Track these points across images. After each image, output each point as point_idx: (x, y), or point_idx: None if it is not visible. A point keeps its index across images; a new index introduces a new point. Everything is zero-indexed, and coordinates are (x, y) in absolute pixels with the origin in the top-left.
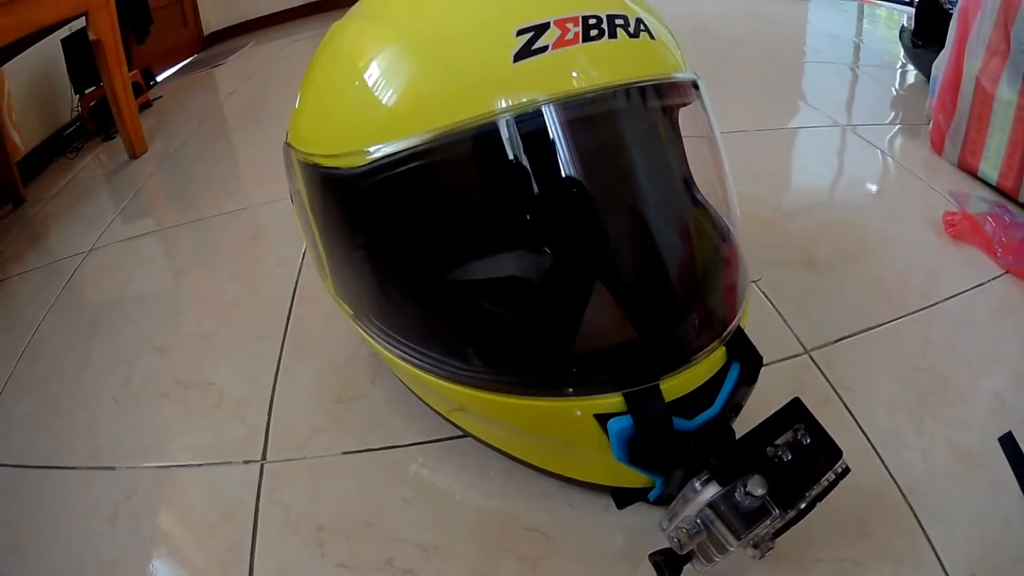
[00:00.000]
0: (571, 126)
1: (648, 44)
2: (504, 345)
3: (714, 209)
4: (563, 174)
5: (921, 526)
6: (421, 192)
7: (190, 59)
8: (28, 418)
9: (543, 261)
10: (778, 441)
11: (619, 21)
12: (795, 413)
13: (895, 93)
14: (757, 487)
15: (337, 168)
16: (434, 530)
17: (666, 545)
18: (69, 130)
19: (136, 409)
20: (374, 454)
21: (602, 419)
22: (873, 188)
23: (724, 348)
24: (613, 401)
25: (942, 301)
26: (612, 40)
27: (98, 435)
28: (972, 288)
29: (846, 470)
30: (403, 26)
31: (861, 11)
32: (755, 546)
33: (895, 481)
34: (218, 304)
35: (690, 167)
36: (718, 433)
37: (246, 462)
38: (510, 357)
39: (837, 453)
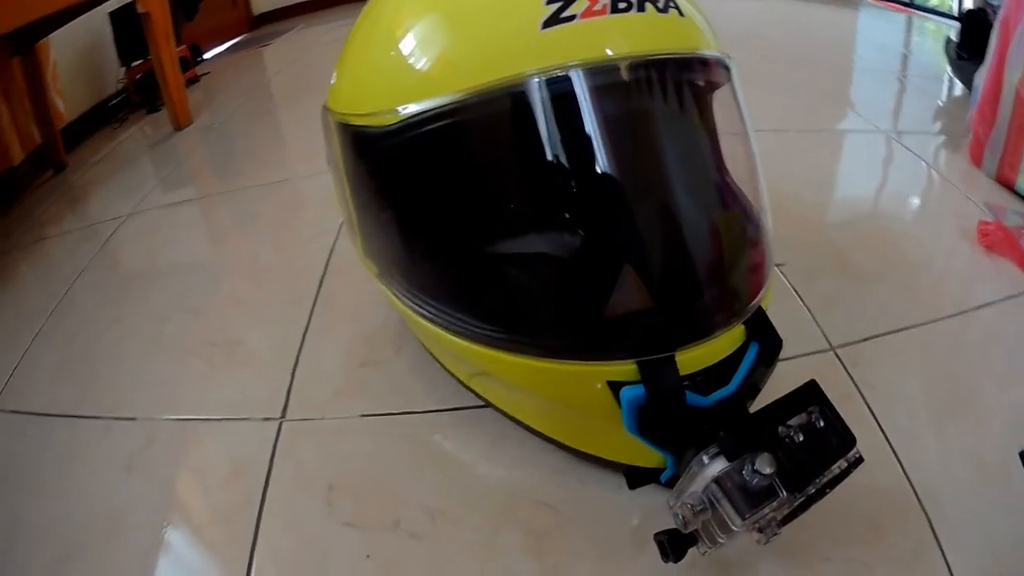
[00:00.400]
0: (597, 92)
1: (677, 20)
2: (523, 306)
3: (741, 191)
4: (588, 140)
5: (934, 532)
6: (447, 151)
7: (238, 39)
8: (54, 369)
9: (566, 225)
10: (791, 422)
11: None
12: (811, 395)
13: (939, 105)
14: (765, 465)
15: (368, 126)
16: (443, 496)
17: (673, 526)
18: (114, 101)
19: (162, 365)
20: (392, 418)
21: (615, 387)
22: (910, 194)
23: (743, 327)
24: (627, 369)
25: (973, 310)
26: (640, 13)
27: (122, 388)
28: (1003, 300)
29: (859, 459)
30: None
31: (909, 23)
32: (760, 530)
33: (911, 483)
34: (253, 269)
35: (721, 149)
36: (732, 413)
37: (265, 419)
38: (528, 318)
39: (851, 440)
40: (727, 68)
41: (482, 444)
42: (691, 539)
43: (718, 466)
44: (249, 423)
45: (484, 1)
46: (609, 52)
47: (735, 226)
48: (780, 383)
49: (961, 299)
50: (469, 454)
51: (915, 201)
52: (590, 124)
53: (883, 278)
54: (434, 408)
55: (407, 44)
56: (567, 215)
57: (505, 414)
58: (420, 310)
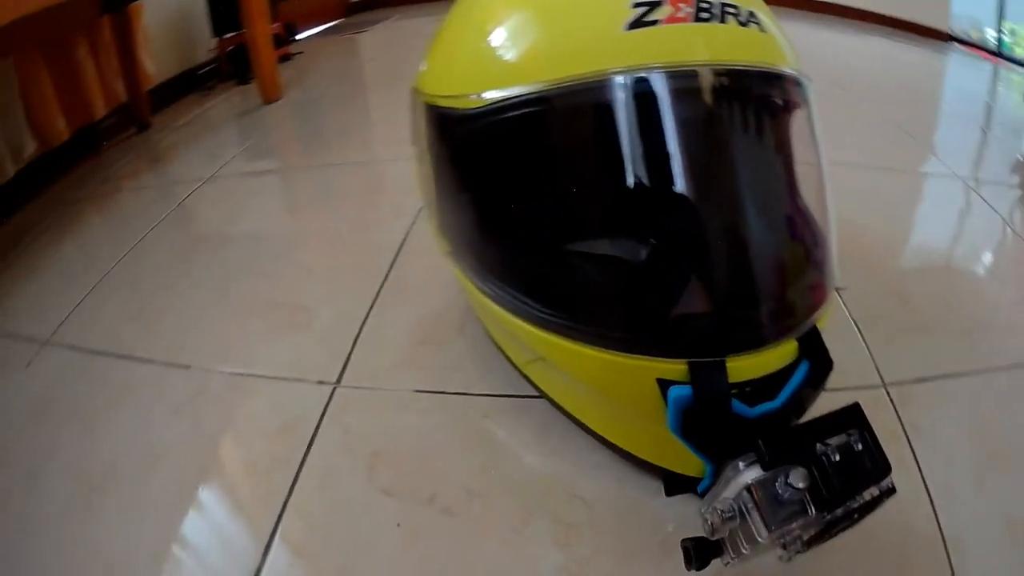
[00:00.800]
0: (675, 96)
1: (757, 35)
2: (585, 296)
3: (808, 210)
4: (662, 141)
5: None
6: (526, 138)
7: (333, 23)
8: (115, 312)
9: (633, 223)
10: (829, 440)
11: (731, 9)
12: (852, 417)
13: (1019, 159)
14: (799, 480)
15: (453, 108)
16: (482, 477)
17: (702, 534)
18: (204, 70)
19: (224, 320)
20: (445, 397)
21: (664, 385)
22: (981, 244)
23: (796, 345)
24: (678, 368)
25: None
26: (721, 24)
27: (182, 336)
28: None
29: (891, 489)
30: None
31: (996, 73)
32: (784, 546)
33: (941, 533)
34: (328, 241)
35: (792, 167)
36: (774, 427)
37: (320, 382)
38: (589, 308)
39: (886, 468)
40: (804, 88)
41: (528, 432)
42: (717, 548)
43: (752, 474)
44: (303, 384)
45: (576, 5)
46: (689, 58)
47: (801, 245)
48: (825, 410)
49: (1020, 353)
50: (514, 440)
51: (985, 251)
52: (666, 126)
53: (944, 322)
54: (487, 392)
55: (497, 34)
56: (635, 213)
57: (555, 404)
58: (486, 289)
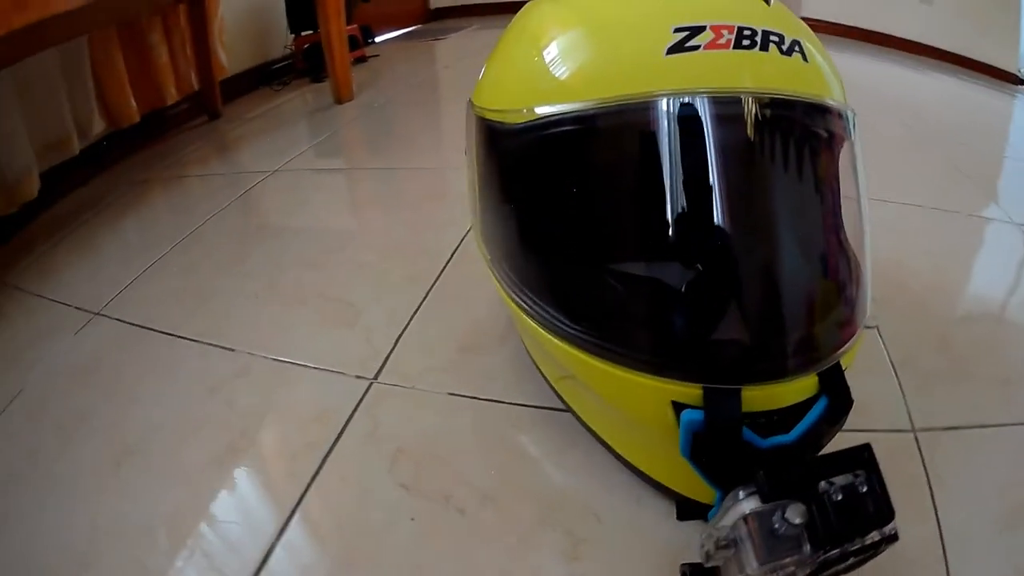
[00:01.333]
0: (715, 121)
1: (799, 64)
2: (610, 313)
3: (843, 246)
4: (698, 165)
5: None
6: (566, 156)
7: (412, 28)
8: (167, 291)
9: (664, 244)
10: (834, 479)
11: (774, 38)
12: (861, 458)
13: None
14: (796, 515)
15: (501, 122)
16: (500, 484)
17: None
18: (278, 65)
19: (272, 308)
20: (476, 402)
21: (678, 407)
22: None
23: (816, 380)
24: (693, 392)
25: None
26: (763, 52)
27: (229, 319)
28: None
29: (894, 536)
30: (579, 12)
31: None
32: None
33: None
34: (383, 241)
35: (830, 200)
36: (781, 460)
37: (358, 377)
38: (613, 325)
39: (889, 514)
40: (847, 121)
41: (552, 445)
42: (710, 573)
43: (750, 505)
44: (342, 377)
45: (618, 24)
46: (727, 84)
47: (832, 281)
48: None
49: None
50: (537, 451)
51: None
52: (701, 152)
53: (984, 371)
54: (518, 402)
55: (545, 54)
56: (667, 235)
57: (581, 421)
58: (520, 301)
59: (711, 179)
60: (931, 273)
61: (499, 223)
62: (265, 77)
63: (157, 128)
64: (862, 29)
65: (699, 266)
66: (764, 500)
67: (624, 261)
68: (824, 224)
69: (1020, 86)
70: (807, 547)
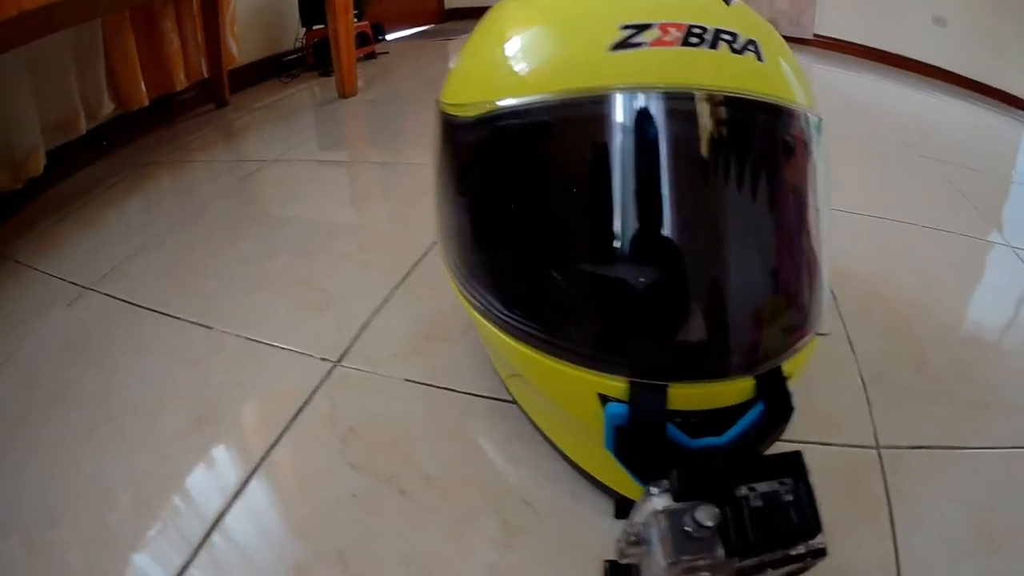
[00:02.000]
0: (649, 116)
1: (750, 63)
2: (541, 301)
3: (793, 250)
4: (627, 160)
5: None
6: (508, 147)
7: (425, 27)
8: (159, 270)
9: (596, 237)
10: (756, 485)
11: (726, 36)
12: (790, 466)
13: None
14: (707, 518)
15: (457, 116)
16: (444, 468)
17: None
18: (288, 58)
19: (254, 291)
20: (432, 389)
21: (604, 400)
22: (1020, 320)
23: (754, 384)
24: (619, 386)
25: None
26: (711, 50)
27: (213, 300)
28: None
29: (821, 551)
30: (539, 11)
31: None
32: None
33: None
34: (366, 233)
35: (780, 203)
36: (701, 460)
37: (323, 359)
38: (544, 314)
39: (815, 528)
40: (802, 123)
41: (499, 435)
42: (628, 572)
43: (662, 502)
44: (308, 359)
45: (570, 22)
46: (661, 80)
47: (769, 282)
48: (814, 466)
49: None
50: (484, 440)
51: (1021, 327)
52: (639, 147)
53: (961, 393)
54: (471, 392)
55: (500, 51)
56: (597, 229)
57: (527, 416)
58: (465, 293)
59: (646, 175)
60: (916, 290)
61: (448, 215)
62: (276, 69)
63: (165, 113)
64: (875, 49)
65: (631, 261)
66: (675, 499)
67: (556, 253)
68: (767, 228)
69: None
70: (720, 551)
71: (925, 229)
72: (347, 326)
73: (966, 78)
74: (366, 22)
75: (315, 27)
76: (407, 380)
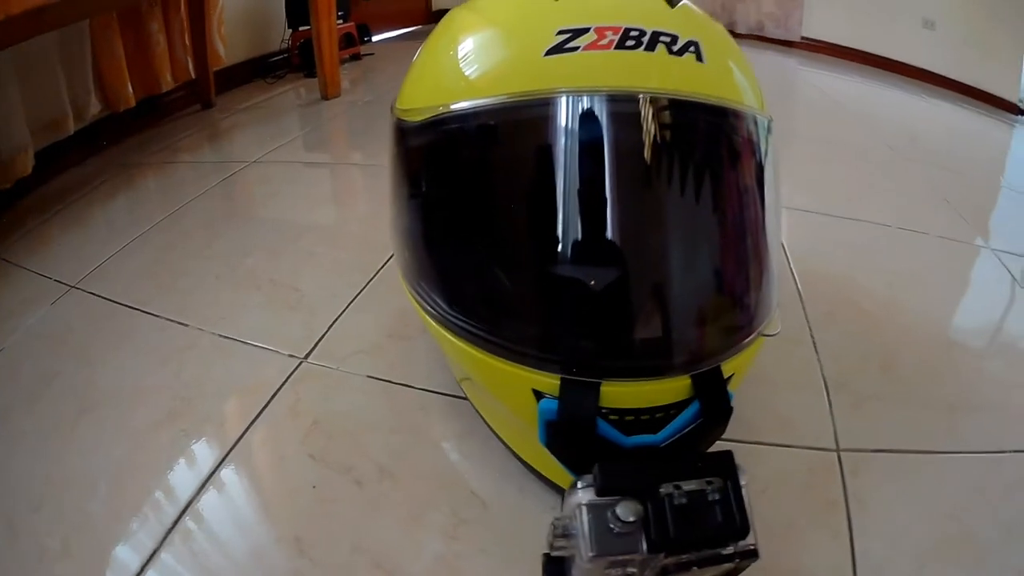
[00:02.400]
0: (580, 117)
1: (689, 64)
2: (479, 298)
3: (736, 250)
4: (565, 160)
5: None
6: (446, 149)
7: (413, 28)
8: (141, 268)
9: (532, 236)
10: (682, 483)
11: (664, 38)
12: (720, 466)
13: None
14: (628, 513)
15: (405, 120)
16: (399, 461)
17: None
18: (275, 58)
19: (229, 289)
20: (390, 386)
21: (539, 396)
22: (996, 322)
23: (689, 384)
24: (552, 383)
25: (1013, 452)
26: (647, 52)
27: (188, 298)
28: None
29: (752, 552)
30: (484, 18)
31: None
32: None
33: None
34: (337, 234)
35: (723, 202)
36: (642, 460)
37: (290, 355)
38: (481, 311)
39: (742, 529)
40: (757, 125)
41: (453, 431)
42: (563, 564)
43: (586, 496)
44: (276, 355)
45: (511, 28)
46: (592, 83)
47: (705, 282)
48: (768, 470)
49: (1007, 438)
50: (438, 434)
51: (999, 329)
52: (571, 147)
53: (928, 396)
54: (429, 388)
55: (446, 57)
56: (531, 229)
57: (479, 414)
58: (414, 293)
59: (574, 176)
60: (887, 293)
61: (398, 217)
62: (263, 69)
63: (152, 114)
64: (863, 52)
65: (562, 260)
66: (598, 493)
67: (491, 252)
68: (698, 225)
69: (1020, 116)
70: (643, 547)
71: (901, 231)
72: (315, 324)
73: (955, 81)
74: (351, 23)
75: (301, 28)
76: (368, 376)
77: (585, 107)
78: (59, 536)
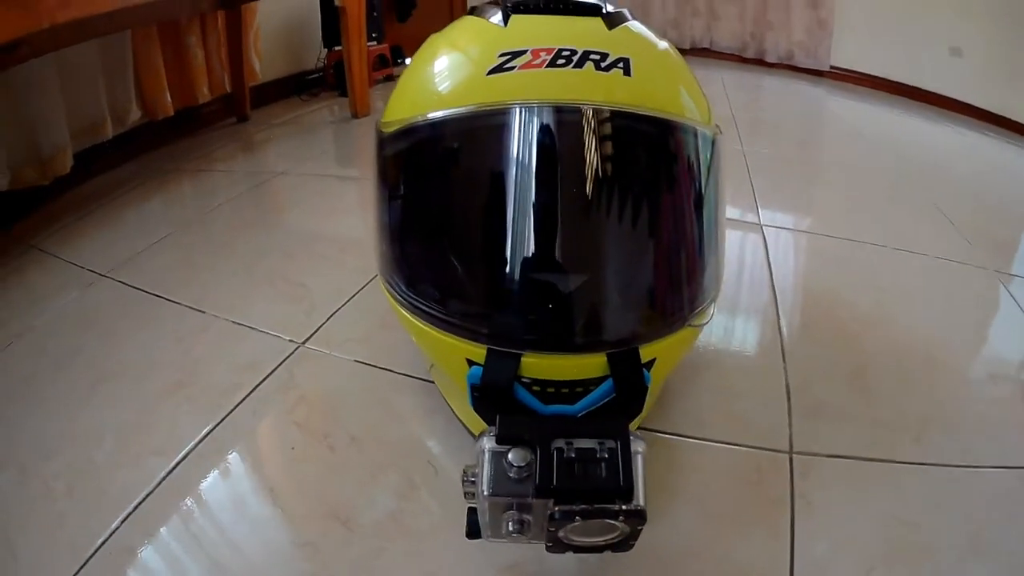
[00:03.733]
0: (509, 126)
1: (614, 78)
2: (425, 278)
3: (666, 244)
4: (499, 162)
5: None
6: (408, 154)
7: None
8: (168, 263)
9: (467, 223)
10: (575, 441)
11: (594, 56)
12: (613, 430)
13: None
14: (518, 459)
15: (382, 132)
16: (369, 431)
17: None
18: (310, 76)
19: (245, 284)
20: (373, 369)
21: (470, 364)
22: (981, 341)
23: (605, 362)
24: (481, 352)
25: (985, 467)
26: (576, 70)
27: (207, 289)
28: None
29: (639, 513)
30: (450, 44)
31: None
32: (521, 524)
33: None
34: (347, 240)
35: (654, 203)
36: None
37: (290, 340)
38: (426, 289)
39: (625, 489)
40: (688, 134)
41: (420, 410)
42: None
43: (489, 444)
44: (278, 339)
45: (467, 53)
46: (519, 97)
47: (621, 271)
48: (710, 461)
49: (979, 452)
50: (406, 411)
51: (987, 343)
52: (489, 151)
53: (898, 405)
54: (405, 373)
55: (418, 78)
56: (469, 219)
57: (443, 396)
58: (384, 283)
59: (502, 176)
60: (870, 306)
61: (375, 217)
62: (298, 87)
63: (189, 124)
64: (891, 81)
65: (491, 246)
66: (497, 442)
67: (436, 240)
68: (619, 222)
69: None
70: (531, 491)
71: (895, 251)
72: (316, 315)
73: (982, 109)
74: (385, 45)
75: (336, 48)
76: (356, 361)
77: (511, 117)
78: (64, 480)
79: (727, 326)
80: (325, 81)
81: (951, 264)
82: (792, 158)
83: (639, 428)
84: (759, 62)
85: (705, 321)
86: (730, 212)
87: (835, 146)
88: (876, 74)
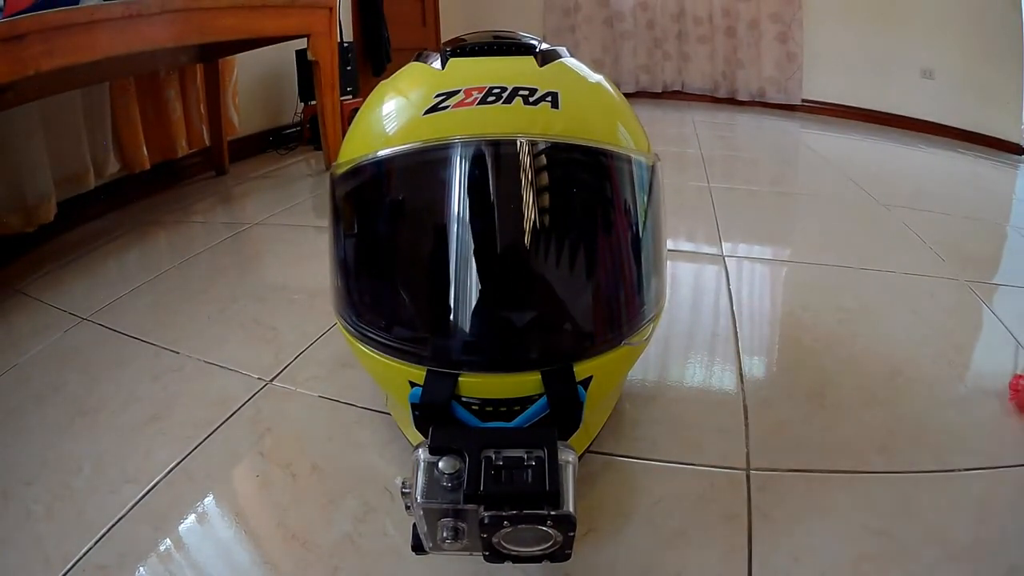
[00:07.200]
0: (437, 161)
1: (541, 111)
2: (370, 307)
3: (599, 267)
4: (434, 194)
5: None
6: (351, 192)
7: None
8: (145, 307)
9: (407, 255)
10: (503, 450)
11: (523, 92)
12: (542, 440)
13: None
14: (448, 466)
15: (332, 173)
16: (330, 461)
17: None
18: (288, 131)
19: (217, 326)
20: (335, 404)
21: (412, 386)
22: (955, 344)
23: (539, 381)
24: (421, 374)
25: (960, 471)
26: (505, 105)
27: (182, 332)
28: (1008, 467)
29: (567, 518)
30: (394, 89)
31: None
32: (455, 532)
33: None
34: (318, 287)
35: (574, 230)
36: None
37: (259, 378)
38: (371, 318)
39: (552, 495)
40: (620, 161)
41: (379, 440)
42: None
43: (423, 454)
44: (247, 377)
45: (408, 96)
46: (452, 132)
47: (550, 294)
48: (661, 482)
49: (953, 456)
50: (365, 442)
51: (953, 354)
52: (424, 184)
53: (861, 418)
54: (365, 406)
55: (364, 121)
56: (400, 250)
57: (399, 428)
58: (337, 316)
59: (435, 205)
60: (832, 325)
61: (329, 255)
62: (276, 141)
63: (169, 177)
64: (863, 109)
65: (425, 273)
66: (430, 452)
67: (377, 270)
68: (547, 247)
69: (1022, 156)
70: (460, 496)
71: (867, 271)
72: (284, 355)
73: (955, 128)
74: (360, 99)
75: (312, 102)
76: (320, 396)
77: (446, 152)
78: (44, 503)
79: (684, 354)
80: (302, 135)
81: (919, 278)
82: (761, 192)
83: (588, 451)
84: (731, 101)
85: (644, 339)
86: (691, 246)
87: (805, 176)
88: (848, 104)
